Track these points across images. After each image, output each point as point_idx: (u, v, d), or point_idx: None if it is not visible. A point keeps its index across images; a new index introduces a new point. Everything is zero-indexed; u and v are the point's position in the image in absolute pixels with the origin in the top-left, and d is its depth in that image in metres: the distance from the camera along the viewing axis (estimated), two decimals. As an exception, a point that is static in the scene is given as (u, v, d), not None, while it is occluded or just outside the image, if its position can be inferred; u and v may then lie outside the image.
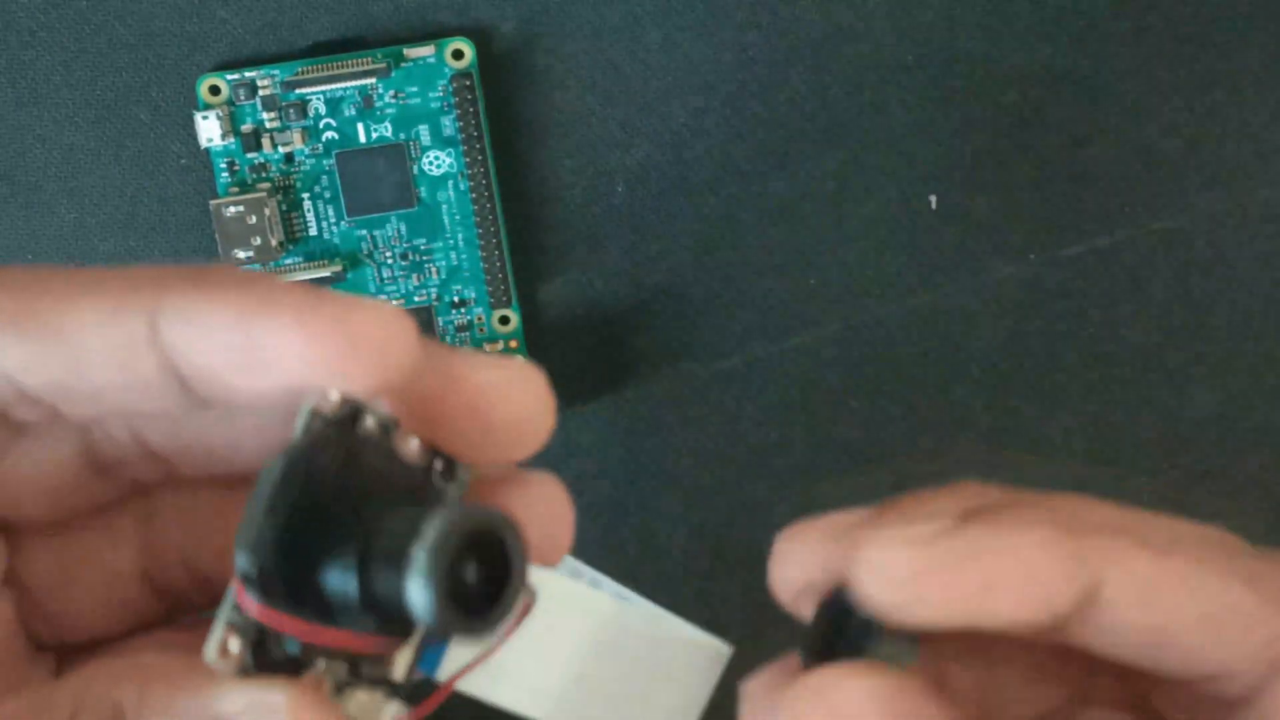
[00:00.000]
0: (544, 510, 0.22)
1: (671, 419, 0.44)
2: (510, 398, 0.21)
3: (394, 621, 0.20)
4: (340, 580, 0.20)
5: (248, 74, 0.41)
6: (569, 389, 0.43)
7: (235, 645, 0.20)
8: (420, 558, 0.19)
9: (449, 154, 0.41)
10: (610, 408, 0.43)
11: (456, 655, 0.22)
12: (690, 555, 0.45)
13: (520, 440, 0.22)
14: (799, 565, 0.24)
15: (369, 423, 0.21)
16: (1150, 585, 0.22)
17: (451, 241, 0.42)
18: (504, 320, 0.42)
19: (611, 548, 0.45)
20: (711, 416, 0.44)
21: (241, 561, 0.19)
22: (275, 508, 0.20)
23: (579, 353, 0.43)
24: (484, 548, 0.20)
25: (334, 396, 0.20)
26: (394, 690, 0.21)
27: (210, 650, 0.20)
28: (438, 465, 0.21)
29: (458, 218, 0.42)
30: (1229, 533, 0.24)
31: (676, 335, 0.43)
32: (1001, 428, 0.44)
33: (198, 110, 0.41)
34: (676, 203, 0.43)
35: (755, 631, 0.44)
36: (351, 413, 0.20)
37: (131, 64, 0.41)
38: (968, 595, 0.21)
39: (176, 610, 0.26)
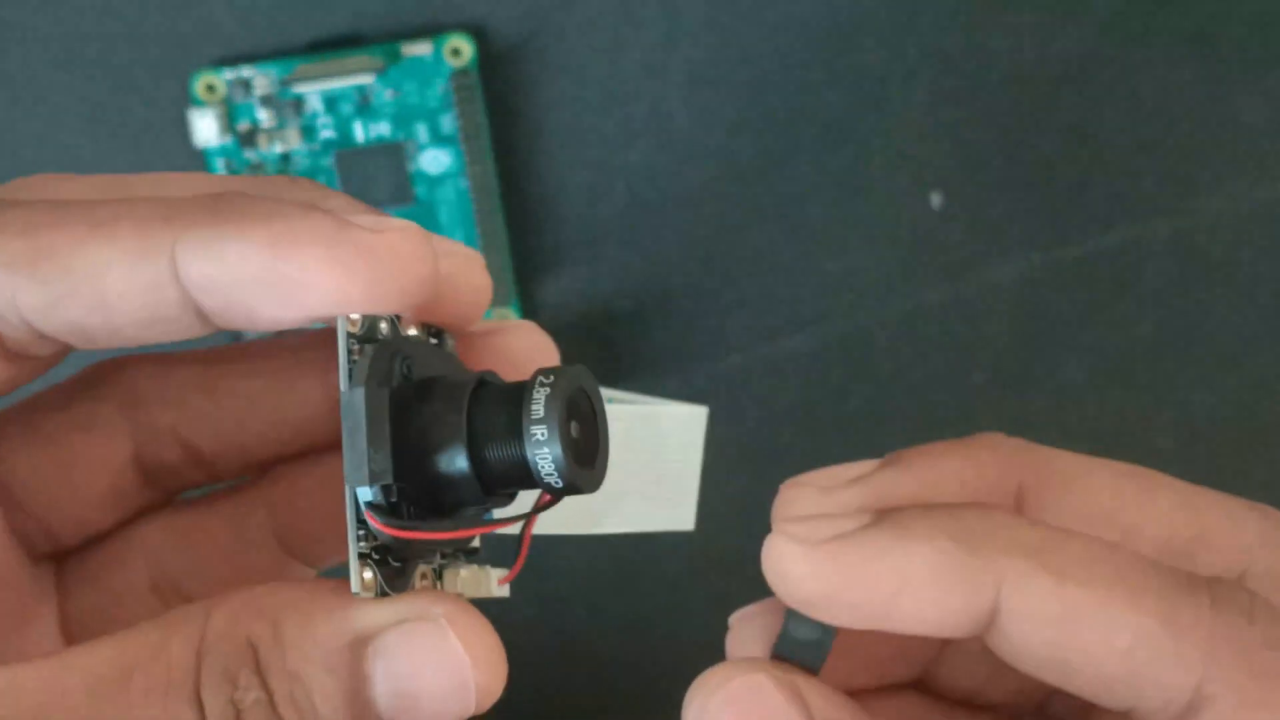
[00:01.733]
0: (530, 346, 0.25)
1: (671, 419, 0.43)
2: (467, 278, 0.24)
3: (503, 493, 0.22)
4: (455, 470, 0.22)
5: (244, 72, 0.41)
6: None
7: (370, 573, 0.21)
8: (543, 428, 0.21)
9: (448, 152, 0.41)
10: (610, 408, 0.43)
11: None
12: (690, 555, 0.44)
13: (477, 306, 0.24)
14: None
15: (384, 325, 0.22)
16: (1052, 614, 0.21)
17: (450, 241, 0.42)
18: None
19: (610, 550, 0.44)
20: (712, 416, 0.43)
21: (366, 494, 0.21)
22: (377, 436, 0.21)
23: (578, 352, 0.43)
24: (573, 406, 0.22)
25: (355, 315, 0.22)
26: (477, 557, 0.24)
27: (356, 584, 0.21)
28: (433, 340, 0.24)
29: (457, 217, 0.42)
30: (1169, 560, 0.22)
31: (676, 335, 0.43)
32: (1003, 428, 0.44)
33: (193, 108, 0.41)
34: (677, 202, 0.42)
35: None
36: (373, 322, 0.22)
37: (127, 62, 0.41)
38: (868, 601, 0.22)
39: (170, 492, 0.26)
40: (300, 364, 0.25)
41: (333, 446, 0.25)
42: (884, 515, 0.22)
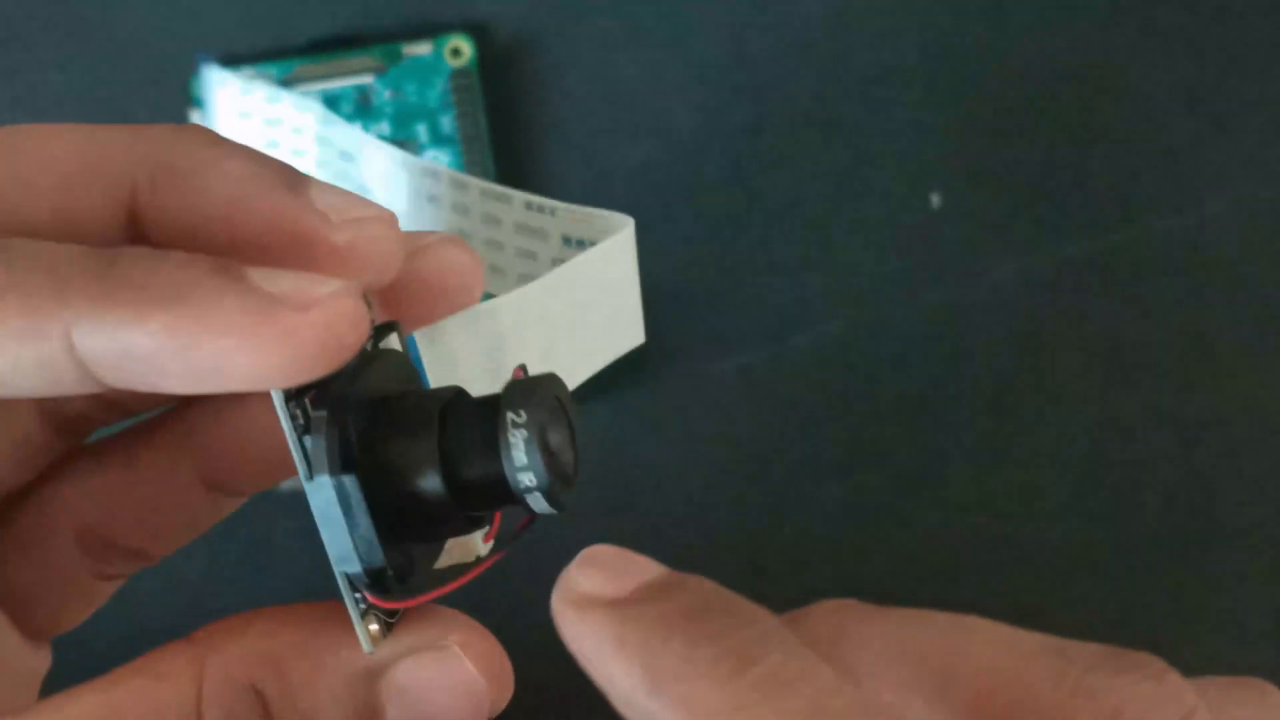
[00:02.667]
0: (452, 262, 0.23)
1: (671, 419, 0.43)
2: (376, 239, 0.21)
3: (487, 514, 0.22)
4: (439, 513, 0.21)
5: (244, 72, 0.41)
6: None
7: (375, 625, 0.21)
8: (530, 474, 0.20)
9: (447, 153, 0.41)
10: (610, 408, 0.43)
11: None
12: (690, 556, 0.44)
13: (391, 271, 0.22)
14: None
15: None
16: None
17: (450, 241, 0.42)
18: (502, 320, 0.42)
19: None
20: (711, 416, 0.43)
21: (358, 576, 0.21)
22: (359, 524, 0.20)
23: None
24: (551, 429, 0.21)
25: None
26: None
27: (366, 644, 0.21)
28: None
29: (456, 217, 0.42)
30: None
31: (676, 335, 0.43)
32: (1003, 428, 0.44)
33: (193, 108, 0.41)
34: (676, 202, 0.42)
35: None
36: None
37: (127, 62, 0.41)
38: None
39: (83, 435, 0.25)
40: None
41: None
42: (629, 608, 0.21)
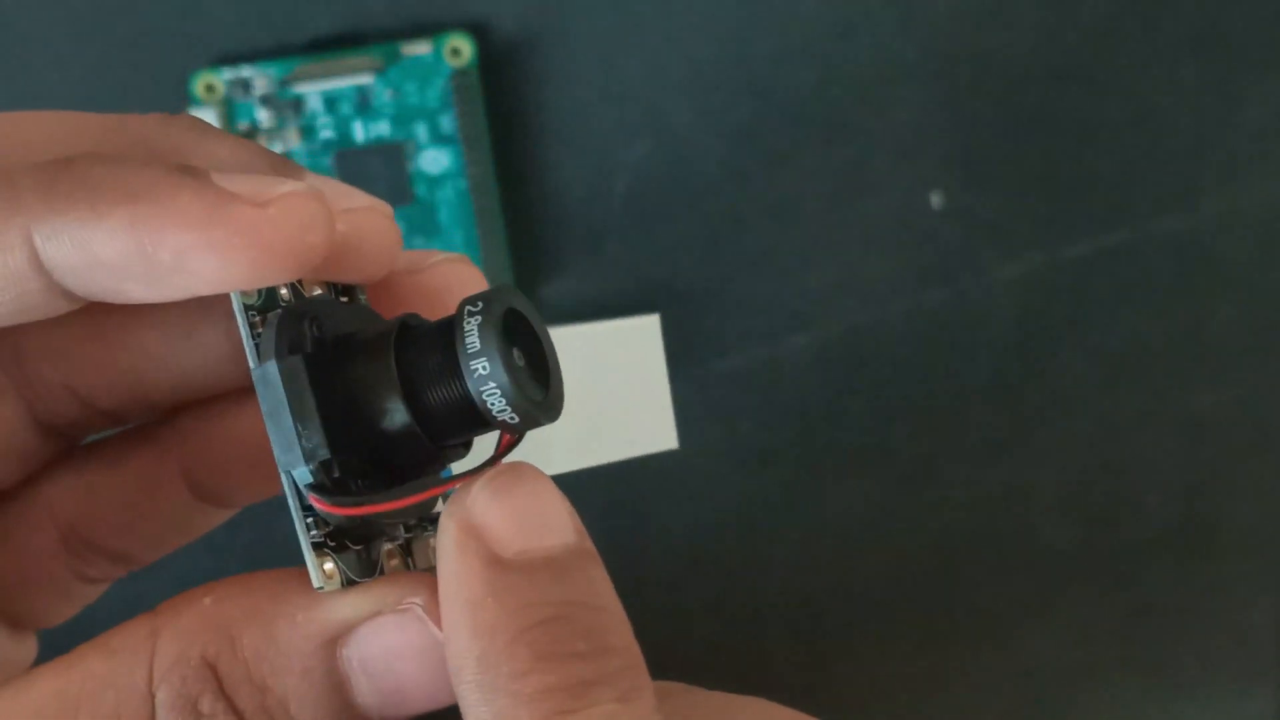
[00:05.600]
0: (453, 283, 0.22)
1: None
2: (372, 235, 0.21)
3: (455, 443, 0.20)
4: (395, 426, 0.20)
5: (243, 71, 0.41)
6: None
7: (330, 564, 0.20)
8: (483, 360, 0.19)
9: (447, 152, 0.41)
10: (610, 408, 0.43)
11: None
12: (690, 556, 0.44)
13: (385, 262, 0.21)
14: None
15: (284, 290, 0.21)
16: None
17: (450, 241, 0.42)
18: (502, 320, 0.42)
19: (610, 548, 0.44)
20: (711, 417, 0.43)
21: (305, 476, 0.19)
22: (302, 410, 0.19)
23: (578, 353, 0.43)
24: (511, 330, 0.20)
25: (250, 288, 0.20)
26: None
27: (317, 578, 0.20)
28: (343, 298, 0.22)
29: (457, 217, 0.42)
30: None
31: (676, 335, 0.43)
32: (1003, 428, 0.44)
33: (193, 108, 0.41)
34: (676, 202, 0.42)
35: (759, 630, 0.44)
36: (271, 288, 0.20)
37: (126, 61, 0.41)
38: None
39: (73, 440, 0.25)
40: (199, 311, 0.23)
41: (241, 390, 0.23)
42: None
